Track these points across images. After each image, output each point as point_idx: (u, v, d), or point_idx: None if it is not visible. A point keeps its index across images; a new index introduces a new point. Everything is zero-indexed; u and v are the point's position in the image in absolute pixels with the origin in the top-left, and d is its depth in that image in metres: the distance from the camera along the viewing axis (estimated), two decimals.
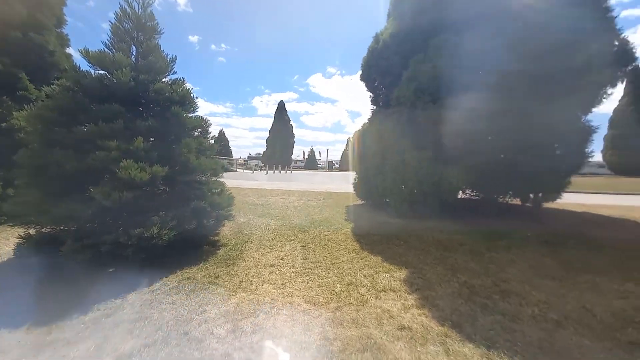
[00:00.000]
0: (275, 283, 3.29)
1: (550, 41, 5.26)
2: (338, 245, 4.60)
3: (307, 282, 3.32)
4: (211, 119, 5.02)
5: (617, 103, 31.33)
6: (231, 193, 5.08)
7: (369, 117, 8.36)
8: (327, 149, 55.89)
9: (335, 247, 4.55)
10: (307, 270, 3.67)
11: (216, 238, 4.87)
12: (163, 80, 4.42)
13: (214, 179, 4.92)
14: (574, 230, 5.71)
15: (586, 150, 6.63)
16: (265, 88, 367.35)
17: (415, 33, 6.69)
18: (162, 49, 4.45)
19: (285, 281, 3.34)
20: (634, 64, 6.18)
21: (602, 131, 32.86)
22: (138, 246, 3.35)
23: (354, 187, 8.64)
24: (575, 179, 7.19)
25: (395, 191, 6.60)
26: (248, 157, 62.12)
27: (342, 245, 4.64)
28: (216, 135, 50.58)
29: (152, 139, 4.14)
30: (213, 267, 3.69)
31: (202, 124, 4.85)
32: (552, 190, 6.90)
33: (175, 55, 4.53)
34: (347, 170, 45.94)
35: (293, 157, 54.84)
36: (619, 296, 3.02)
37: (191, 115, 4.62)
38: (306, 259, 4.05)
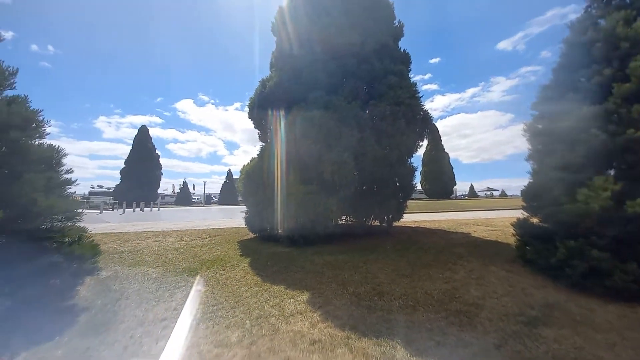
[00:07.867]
0: (172, 337, 2.92)
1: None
2: (238, 282, 4.50)
3: (213, 327, 3.12)
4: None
5: (425, 148, 45.82)
6: (94, 240, 4.17)
7: (258, 152, 8.75)
8: (205, 182, 51.43)
9: (235, 284, 4.42)
10: (208, 315, 3.43)
11: (71, 302, 3.74)
12: None
13: (69, 223, 3.93)
14: (412, 240, 7.83)
15: (413, 182, 9.43)
16: (116, 107, 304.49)
17: (295, 86, 7.87)
18: None
19: (184, 332, 3.02)
20: (431, 125, 9.60)
21: (418, 168, 46.92)
22: None
23: (245, 221, 8.55)
24: (409, 203, 9.98)
25: (286, 222, 7.08)
26: (89, 192, 44.65)
27: (243, 281, 4.57)
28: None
29: None
30: (77, 340, 2.86)
31: (54, 154, 3.88)
32: (398, 212, 9.28)
33: (17, 68, 3.55)
34: (230, 204, 43.68)
35: (160, 191, 46.86)
36: (443, 281, 4.47)
37: (38, 142, 3.64)
38: (205, 303, 3.76)
